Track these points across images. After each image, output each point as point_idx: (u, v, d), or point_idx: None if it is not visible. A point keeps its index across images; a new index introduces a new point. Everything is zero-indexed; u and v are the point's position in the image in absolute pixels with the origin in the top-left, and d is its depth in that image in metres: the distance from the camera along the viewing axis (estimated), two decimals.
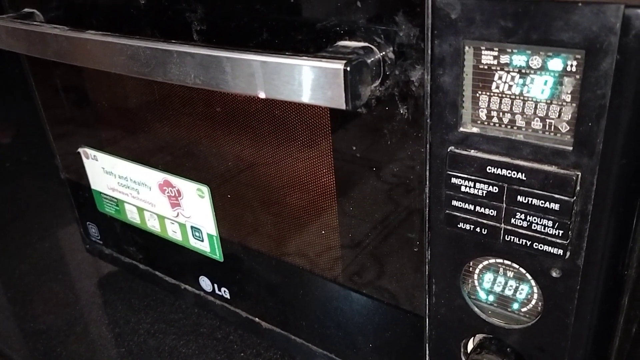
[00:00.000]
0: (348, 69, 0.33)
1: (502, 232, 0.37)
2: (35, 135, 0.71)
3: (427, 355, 0.47)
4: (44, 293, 0.77)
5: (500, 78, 0.34)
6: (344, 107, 0.34)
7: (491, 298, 0.41)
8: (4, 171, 1.12)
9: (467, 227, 0.38)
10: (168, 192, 0.58)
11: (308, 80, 0.34)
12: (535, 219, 0.35)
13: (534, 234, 0.36)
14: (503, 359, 0.41)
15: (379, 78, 0.36)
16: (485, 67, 0.34)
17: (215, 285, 0.62)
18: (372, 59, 0.35)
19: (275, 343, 0.62)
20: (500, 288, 0.41)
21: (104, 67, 0.45)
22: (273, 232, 0.52)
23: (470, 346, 0.45)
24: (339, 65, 0.33)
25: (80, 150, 0.65)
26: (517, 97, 0.33)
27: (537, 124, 0.33)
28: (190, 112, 0.51)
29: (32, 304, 0.76)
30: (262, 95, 0.36)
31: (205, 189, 0.55)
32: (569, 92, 0.31)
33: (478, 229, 0.38)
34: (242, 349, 0.65)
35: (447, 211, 0.39)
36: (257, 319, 0.60)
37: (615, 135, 0.31)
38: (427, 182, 0.39)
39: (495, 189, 0.36)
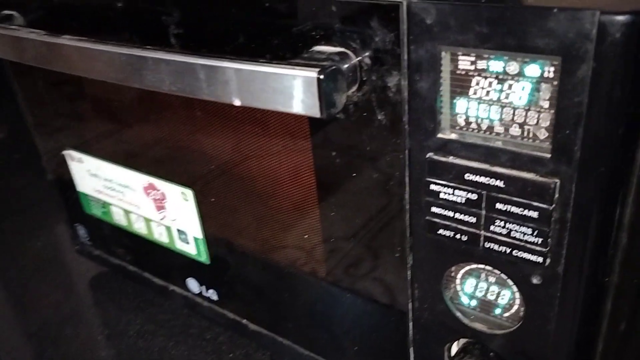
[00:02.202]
0: (322, 77, 0.32)
1: (482, 238, 0.36)
2: (27, 133, 0.71)
3: (412, 359, 0.47)
4: (35, 294, 0.77)
5: (477, 84, 0.33)
6: (318, 115, 0.33)
7: (473, 303, 0.41)
8: None
9: (448, 233, 0.38)
10: (152, 195, 0.58)
11: (282, 89, 0.33)
12: (514, 227, 0.35)
13: (514, 241, 0.35)
14: None
15: (355, 84, 0.36)
16: (463, 72, 0.33)
17: (203, 287, 0.62)
18: (348, 64, 0.35)
19: (263, 344, 0.62)
20: (482, 293, 0.40)
21: (81, 72, 0.44)
22: (257, 235, 0.52)
23: (454, 350, 0.44)
24: (312, 74, 0.32)
25: (65, 152, 0.65)
26: (495, 103, 0.33)
27: (515, 131, 0.33)
28: (172, 116, 0.51)
29: (22, 305, 0.76)
30: (237, 102, 0.36)
31: (189, 192, 0.54)
32: (546, 98, 0.31)
33: (458, 236, 0.37)
34: (231, 350, 0.65)
35: (427, 217, 0.38)
36: (244, 320, 0.60)
37: (593, 143, 0.30)
38: (407, 188, 0.38)
39: (474, 196, 0.35)
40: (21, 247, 0.88)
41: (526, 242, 0.35)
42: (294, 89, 0.33)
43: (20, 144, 1.15)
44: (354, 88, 0.36)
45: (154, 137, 0.54)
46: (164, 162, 0.55)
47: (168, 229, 0.59)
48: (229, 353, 0.64)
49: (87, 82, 0.58)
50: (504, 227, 0.35)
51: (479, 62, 0.32)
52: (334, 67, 0.33)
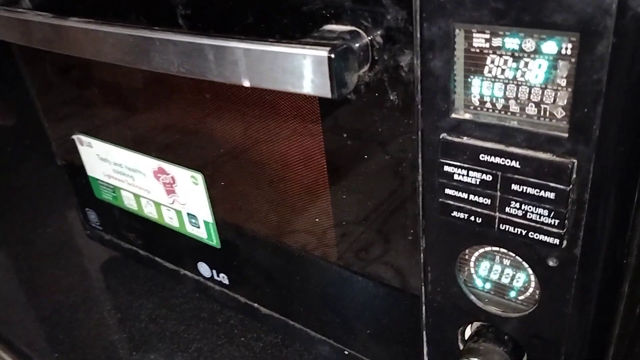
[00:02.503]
0: (332, 56, 0.31)
1: (496, 220, 0.36)
2: (37, 119, 0.71)
3: (424, 342, 0.46)
4: (47, 279, 0.78)
5: (492, 62, 0.32)
6: (330, 96, 0.32)
7: (488, 286, 0.40)
8: (5, 155, 1.12)
9: (462, 215, 0.37)
10: (162, 179, 0.57)
11: (292, 69, 0.33)
12: (530, 208, 0.34)
13: (530, 223, 0.34)
14: (500, 347, 0.41)
15: (367, 63, 0.35)
16: (477, 50, 0.32)
17: (214, 271, 0.62)
18: (360, 43, 0.34)
19: (274, 328, 0.62)
20: (497, 276, 0.40)
21: (88, 55, 0.44)
22: (268, 218, 0.52)
23: (468, 333, 0.44)
24: (323, 53, 0.31)
25: (75, 137, 0.65)
26: (511, 82, 0.32)
27: (531, 110, 0.32)
28: (181, 100, 0.50)
29: (34, 290, 0.76)
30: (246, 83, 0.35)
31: (199, 176, 0.54)
32: (564, 76, 0.30)
33: (472, 218, 0.37)
34: (243, 333, 0.65)
35: (440, 200, 0.37)
36: (256, 304, 0.60)
37: (612, 122, 0.29)
38: (420, 170, 0.38)
39: (489, 178, 0.35)
40: (33, 233, 0.88)
41: (542, 223, 0.34)
42: (304, 69, 0.32)
43: (31, 130, 1.16)
44: (366, 67, 0.35)
45: (163, 121, 0.54)
46: (174, 146, 0.54)
47: (178, 213, 0.59)
48: (240, 336, 0.64)
49: (95, 67, 0.57)
50: (519, 208, 0.34)
51: (494, 39, 0.31)
52: (345, 46, 0.32)
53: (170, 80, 0.50)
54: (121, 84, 0.56)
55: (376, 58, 0.35)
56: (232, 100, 0.46)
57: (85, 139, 0.64)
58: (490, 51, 0.32)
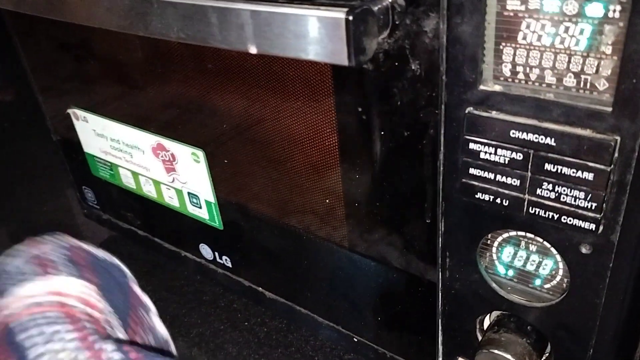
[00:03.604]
0: (351, 18, 0.28)
1: (525, 203, 0.33)
2: (33, 95, 0.68)
3: (439, 331, 0.44)
4: None
5: (528, 27, 0.29)
6: (346, 63, 0.29)
7: (511, 273, 0.38)
8: (2, 131, 1.08)
9: (486, 197, 0.34)
10: (162, 156, 0.54)
11: (305, 33, 0.29)
12: (564, 190, 0.31)
13: (563, 207, 0.31)
14: (522, 338, 0.38)
15: (387, 28, 0.32)
16: (511, 13, 0.29)
17: (216, 254, 0.59)
18: (379, 6, 0.31)
19: (279, 313, 0.59)
20: (522, 263, 0.37)
21: (81, 20, 0.41)
22: (274, 198, 0.49)
23: (486, 323, 0.41)
24: (340, 14, 0.28)
25: (70, 111, 0.62)
26: (548, 50, 0.29)
27: (570, 81, 0.29)
28: (182, 71, 0.47)
29: None
30: (253, 50, 0.32)
31: (200, 153, 0.51)
32: (610, 42, 0.27)
33: (498, 200, 0.34)
34: (246, 318, 0.62)
35: (463, 180, 0.34)
36: (260, 288, 0.57)
37: None
38: (442, 148, 0.34)
39: (520, 156, 0.31)
40: (29, 211, 0.85)
41: (578, 207, 0.31)
42: (318, 33, 0.29)
43: (28, 105, 1.12)
44: (385, 33, 0.32)
45: (162, 95, 0.51)
46: (174, 121, 0.51)
47: (179, 192, 0.56)
48: (244, 321, 0.62)
49: (91, 38, 0.54)
50: (552, 190, 0.31)
51: (530, 1, 0.28)
52: (364, 7, 0.29)
53: (169, 50, 0.47)
54: (118, 55, 0.53)
55: (397, 22, 0.31)
56: (236, 72, 0.43)
57: (80, 113, 0.61)
58: (526, 15, 0.28)
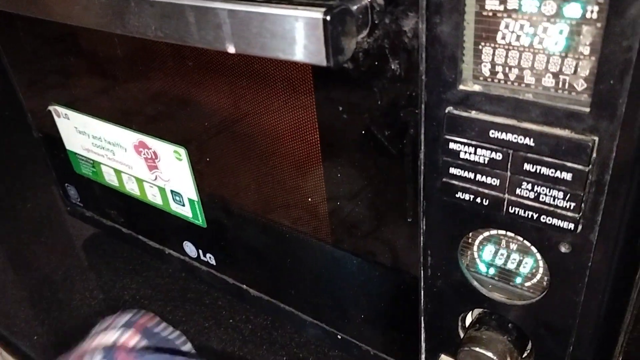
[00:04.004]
0: (328, 18, 0.28)
1: (505, 203, 0.33)
2: (16, 91, 0.67)
3: (422, 329, 0.44)
4: (26, 257, 0.74)
5: (507, 27, 0.29)
6: (324, 63, 0.29)
7: (492, 271, 0.38)
8: None
9: (467, 197, 0.34)
10: (144, 154, 0.54)
11: (282, 33, 0.29)
12: (543, 190, 0.31)
13: (542, 206, 0.31)
14: (504, 336, 0.38)
15: (366, 28, 0.31)
16: (490, 13, 0.29)
17: (200, 251, 0.59)
18: (358, 5, 0.30)
19: (264, 310, 0.59)
20: (502, 261, 0.37)
21: (58, 18, 0.40)
22: (257, 196, 0.49)
23: (468, 320, 0.41)
24: (317, 14, 0.28)
25: (51, 108, 0.61)
26: (527, 50, 0.29)
27: (548, 81, 0.29)
28: (163, 68, 0.47)
29: (13, 269, 0.73)
30: (231, 49, 0.31)
31: (182, 151, 0.50)
32: (587, 43, 0.27)
33: (478, 200, 0.34)
34: (231, 315, 0.62)
35: (444, 179, 0.34)
36: (244, 286, 0.57)
37: None
38: (422, 147, 0.34)
39: (499, 156, 0.31)
40: (11, 209, 0.84)
41: (556, 207, 0.31)
42: (296, 33, 0.28)
43: (10, 102, 1.11)
44: (365, 32, 0.31)
45: (143, 92, 0.50)
46: (155, 119, 0.51)
47: (162, 190, 0.56)
48: (228, 318, 0.62)
49: (72, 37, 0.53)
50: (531, 190, 0.31)
51: (509, 1, 0.28)
52: (342, 7, 0.28)
53: (150, 47, 0.46)
54: (99, 52, 0.52)
55: (376, 22, 0.31)
56: (218, 69, 0.43)
57: (62, 110, 0.60)
58: (505, 14, 0.28)
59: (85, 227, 0.76)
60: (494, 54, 0.30)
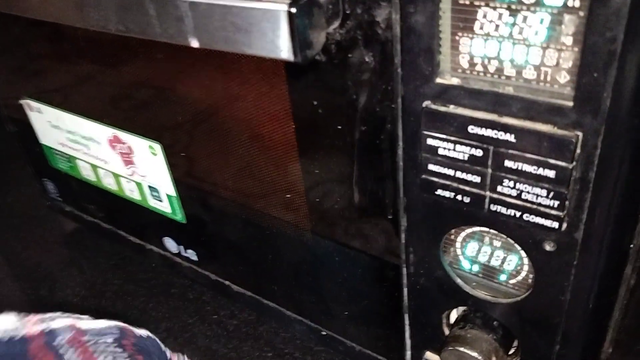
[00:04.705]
0: (294, 10, 0.26)
1: (487, 200, 0.31)
2: None
3: (407, 326, 0.43)
4: (6, 254, 0.73)
5: (485, 16, 0.27)
6: (292, 58, 0.27)
7: (475, 268, 0.36)
8: None
9: (447, 194, 0.33)
10: (119, 149, 0.52)
11: (246, 26, 0.27)
12: (526, 187, 0.29)
13: (525, 204, 0.30)
14: (489, 334, 0.37)
15: (337, 18, 0.30)
16: (467, 2, 0.27)
17: (181, 247, 0.57)
18: None
19: (247, 306, 0.58)
20: (486, 258, 0.36)
21: (16, 11, 0.38)
22: (235, 191, 0.47)
23: (454, 316, 0.40)
24: (282, 7, 0.26)
25: (23, 102, 0.59)
26: (506, 40, 0.27)
27: (529, 74, 0.27)
28: (133, 60, 0.45)
29: None
30: (195, 44, 0.29)
31: (157, 146, 0.48)
32: (570, 33, 0.25)
33: (459, 197, 0.32)
34: (215, 310, 0.61)
35: (423, 176, 0.33)
36: (227, 282, 0.56)
37: (626, 88, 0.25)
38: (401, 143, 0.33)
39: (479, 152, 0.30)
40: None
41: (540, 205, 0.30)
42: (261, 27, 0.27)
43: None
44: (336, 24, 0.30)
45: (115, 86, 0.48)
46: (128, 113, 0.49)
47: (139, 185, 0.54)
48: (212, 314, 0.60)
49: (41, 30, 0.51)
50: (513, 187, 0.30)
51: None
52: None
53: (120, 40, 0.44)
54: (69, 45, 0.50)
55: (348, 12, 0.29)
56: (189, 62, 0.41)
57: (34, 104, 0.58)
58: (482, 3, 0.27)
59: (67, 222, 0.74)
60: (472, 45, 0.28)
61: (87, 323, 0.35)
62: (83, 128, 0.54)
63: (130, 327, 0.37)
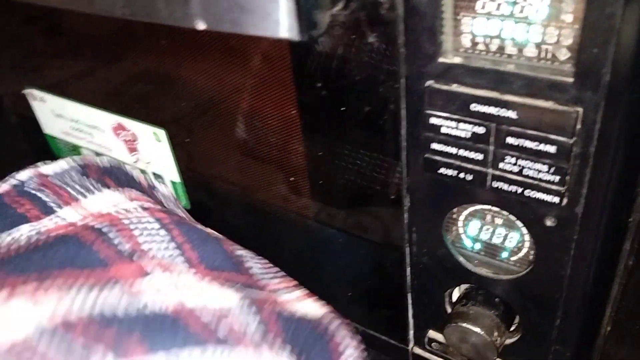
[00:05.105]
0: None
1: (489, 177, 0.32)
2: None
3: (410, 305, 0.43)
4: None
5: None
6: (297, 38, 0.28)
7: (477, 246, 0.37)
8: None
9: (450, 172, 0.33)
10: (123, 136, 0.53)
11: (253, 7, 0.28)
12: (527, 163, 0.30)
13: (526, 180, 0.31)
14: (491, 311, 0.38)
15: None
16: None
17: None
18: None
19: None
20: (488, 236, 0.36)
21: None
22: (239, 176, 0.48)
23: (456, 295, 0.41)
24: None
25: (26, 92, 0.59)
26: (507, 19, 0.28)
27: (531, 51, 0.28)
28: (137, 47, 0.45)
29: None
30: (201, 26, 0.30)
31: (161, 133, 0.49)
32: (570, 10, 0.26)
33: (462, 175, 0.33)
34: None
35: (426, 155, 0.34)
36: None
37: (625, 64, 0.25)
38: (404, 122, 0.33)
39: (482, 130, 0.31)
40: None
41: (541, 180, 0.30)
42: (267, 7, 0.27)
43: None
44: (340, 5, 0.30)
45: (119, 74, 0.49)
46: (132, 101, 0.49)
47: (144, 172, 0.55)
48: None
49: (45, 18, 0.51)
50: (515, 164, 0.31)
51: None
52: None
53: (124, 26, 0.45)
54: (73, 33, 0.50)
55: None
56: (193, 47, 0.41)
57: (37, 93, 0.58)
58: None
59: None
60: (474, 24, 0.29)
61: (48, 168, 0.37)
62: (87, 116, 0.55)
63: (93, 160, 0.39)
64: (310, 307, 0.39)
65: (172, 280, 0.31)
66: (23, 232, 0.32)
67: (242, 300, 0.33)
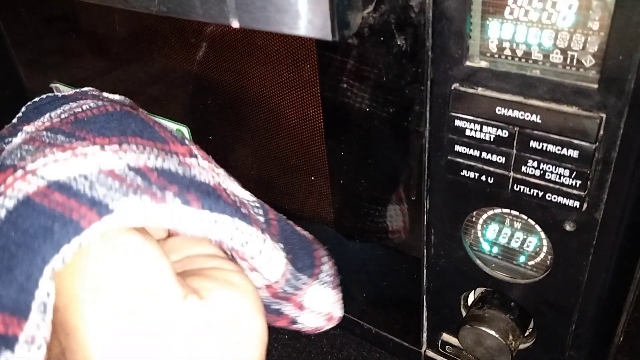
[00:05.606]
0: None
1: (510, 181, 0.33)
2: (15, 70, 0.66)
3: (424, 308, 0.44)
4: None
5: (515, 1, 0.28)
6: (330, 38, 0.28)
7: (495, 250, 0.38)
8: None
9: (472, 175, 0.34)
10: None
11: (288, 6, 0.29)
12: (549, 167, 0.31)
13: (548, 184, 0.31)
14: (506, 314, 0.38)
15: (372, 2, 0.31)
16: None
17: None
18: None
19: None
20: (506, 240, 0.37)
21: None
22: (260, 175, 0.48)
23: (471, 299, 0.41)
24: None
25: (53, 86, 0.60)
26: (535, 25, 0.28)
27: (556, 57, 0.28)
28: (165, 45, 0.46)
29: None
30: (235, 24, 0.31)
31: (184, 129, 0.50)
32: (597, 18, 0.26)
33: (484, 178, 0.34)
34: None
35: (449, 157, 0.34)
36: None
37: None
38: (427, 125, 0.34)
39: (505, 133, 0.31)
40: None
41: (562, 184, 0.31)
42: (301, 6, 0.28)
43: (9, 81, 1.10)
44: (370, 7, 0.31)
45: (145, 71, 0.50)
46: (157, 97, 0.50)
47: None
48: None
49: (74, 14, 0.53)
50: (537, 168, 0.31)
51: None
52: None
53: (153, 24, 0.46)
54: (101, 30, 0.51)
55: None
56: (220, 46, 0.42)
57: (64, 88, 0.59)
58: None
59: None
60: (501, 29, 0.29)
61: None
62: None
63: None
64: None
65: (212, 166, 0.37)
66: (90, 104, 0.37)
67: (255, 199, 0.40)
